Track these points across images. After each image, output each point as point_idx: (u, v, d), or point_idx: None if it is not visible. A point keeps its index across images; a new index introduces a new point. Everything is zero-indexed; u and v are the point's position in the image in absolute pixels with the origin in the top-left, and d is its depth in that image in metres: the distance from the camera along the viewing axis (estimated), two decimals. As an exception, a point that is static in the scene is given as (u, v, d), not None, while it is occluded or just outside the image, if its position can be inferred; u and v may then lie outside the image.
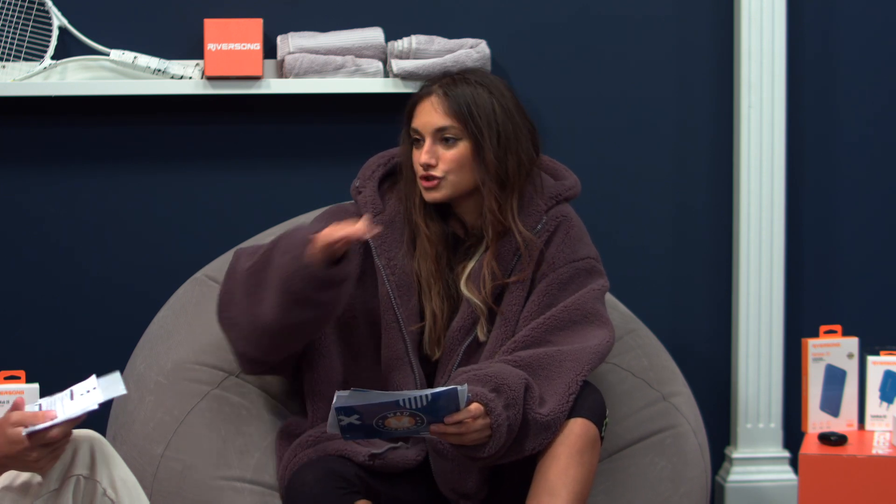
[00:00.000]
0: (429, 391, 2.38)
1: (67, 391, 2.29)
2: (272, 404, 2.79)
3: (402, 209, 2.75)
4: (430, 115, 2.70)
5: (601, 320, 2.71)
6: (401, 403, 2.36)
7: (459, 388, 2.40)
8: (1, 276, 3.34)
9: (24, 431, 2.17)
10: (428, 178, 2.69)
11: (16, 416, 2.21)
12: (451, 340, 2.70)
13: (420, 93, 2.75)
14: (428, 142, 2.69)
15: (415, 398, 2.36)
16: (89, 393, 2.26)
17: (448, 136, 2.69)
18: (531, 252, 2.70)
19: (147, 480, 2.66)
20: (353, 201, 2.81)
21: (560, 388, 2.58)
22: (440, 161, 2.69)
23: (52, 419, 2.19)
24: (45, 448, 2.19)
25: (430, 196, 2.70)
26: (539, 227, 2.72)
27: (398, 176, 2.80)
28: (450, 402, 2.40)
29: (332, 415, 2.36)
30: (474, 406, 2.46)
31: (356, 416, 2.36)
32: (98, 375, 2.30)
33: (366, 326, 2.73)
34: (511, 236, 2.70)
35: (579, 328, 2.68)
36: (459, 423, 2.44)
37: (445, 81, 2.73)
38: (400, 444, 2.67)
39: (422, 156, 2.69)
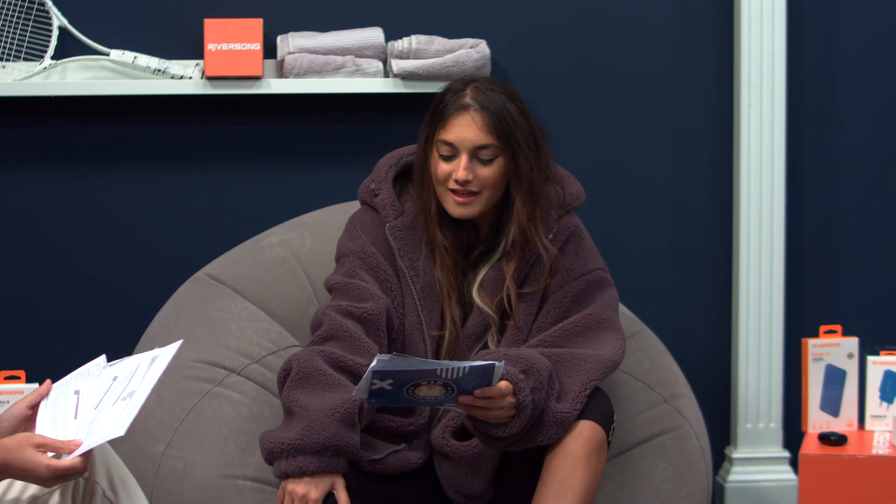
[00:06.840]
0: (467, 363, 2.38)
1: (89, 390, 2.14)
2: (273, 402, 2.79)
3: (417, 212, 2.72)
4: (469, 131, 2.62)
5: (614, 327, 2.71)
6: (438, 372, 2.37)
7: (497, 363, 2.41)
8: (1, 276, 3.33)
9: (45, 464, 2.00)
10: (464, 193, 2.63)
11: (39, 438, 2.03)
12: (462, 346, 2.70)
13: (450, 103, 2.65)
14: (465, 158, 2.62)
15: (453, 368, 2.37)
16: (120, 404, 2.09)
17: (487, 154, 2.62)
18: (554, 265, 2.69)
19: (148, 479, 2.66)
20: (364, 204, 2.77)
21: (576, 386, 2.58)
22: (476, 177, 2.63)
23: (77, 447, 2.04)
24: (64, 479, 2.05)
25: (462, 212, 2.65)
26: (550, 236, 2.71)
27: (409, 176, 2.77)
28: (484, 377, 2.41)
29: (366, 378, 2.34)
30: (504, 384, 2.46)
31: (389, 381, 2.35)
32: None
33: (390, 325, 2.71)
34: (529, 247, 2.69)
35: (593, 335, 2.68)
36: (488, 398, 2.44)
37: (476, 93, 2.64)
38: (402, 446, 2.66)
39: (459, 172, 2.61)
